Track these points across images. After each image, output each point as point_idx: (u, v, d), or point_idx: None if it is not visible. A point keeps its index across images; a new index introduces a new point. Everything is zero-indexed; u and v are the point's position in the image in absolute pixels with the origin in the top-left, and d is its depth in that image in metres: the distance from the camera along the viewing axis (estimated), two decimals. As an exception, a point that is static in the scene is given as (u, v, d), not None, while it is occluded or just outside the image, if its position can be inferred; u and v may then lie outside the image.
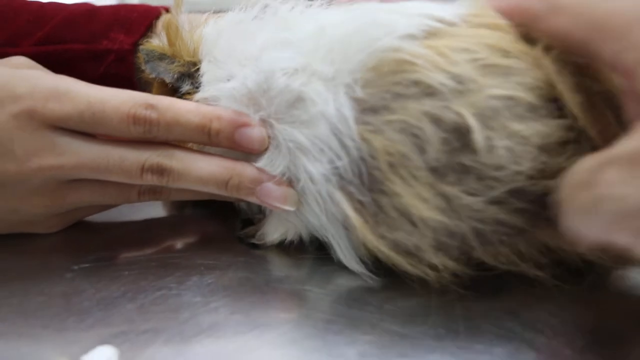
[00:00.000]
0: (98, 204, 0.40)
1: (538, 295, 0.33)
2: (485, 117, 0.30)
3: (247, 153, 0.37)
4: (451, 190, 0.30)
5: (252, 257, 0.37)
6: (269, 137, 0.36)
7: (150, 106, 0.36)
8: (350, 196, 0.33)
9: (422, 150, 0.31)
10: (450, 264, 0.32)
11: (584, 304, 0.32)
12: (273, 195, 0.36)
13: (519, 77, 0.30)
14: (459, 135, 0.30)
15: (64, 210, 0.40)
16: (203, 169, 0.37)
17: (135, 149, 0.37)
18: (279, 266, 0.37)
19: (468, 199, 0.30)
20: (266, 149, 0.36)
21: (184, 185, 0.37)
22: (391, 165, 0.31)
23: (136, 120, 0.36)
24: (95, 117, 0.36)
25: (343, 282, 0.35)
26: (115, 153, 0.36)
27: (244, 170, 0.36)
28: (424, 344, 0.29)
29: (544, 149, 0.30)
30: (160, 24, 0.52)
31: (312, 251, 0.38)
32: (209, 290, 0.34)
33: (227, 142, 0.36)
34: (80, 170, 0.36)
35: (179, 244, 0.40)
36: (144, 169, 0.36)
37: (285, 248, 0.38)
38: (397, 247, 0.32)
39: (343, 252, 0.35)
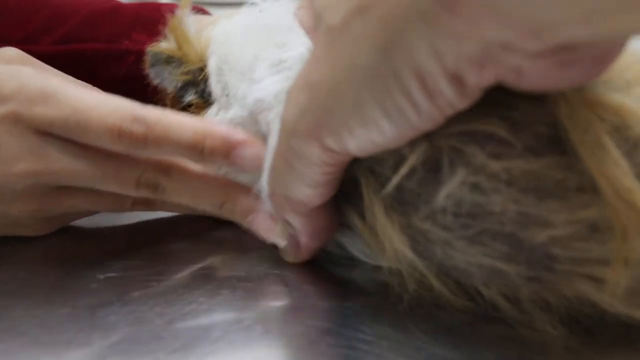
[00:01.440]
0: (90, 210, 0.39)
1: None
2: (456, 152, 0.27)
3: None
4: (422, 224, 0.28)
5: (287, 270, 0.35)
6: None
7: (137, 119, 0.33)
8: (354, 209, 0.32)
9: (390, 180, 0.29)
10: (453, 297, 0.30)
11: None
12: (264, 226, 0.35)
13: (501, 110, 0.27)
14: (430, 169, 0.28)
15: (54, 214, 0.38)
16: (198, 189, 0.35)
17: (131, 161, 0.35)
18: (317, 280, 0.35)
19: (441, 234, 0.28)
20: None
21: (178, 202, 0.36)
22: (368, 192, 0.30)
23: (121, 134, 0.33)
24: (80, 125, 0.33)
25: (385, 300, 0.32)
26: (110, 163, 0.35)
27: (239, 196, 0.35)
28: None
29: (525, 190, 0.26)
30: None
31: (353, 263, 0.36)
32: (242, 305, 0.32)
33: (222, 161, 0.34)
34: (72, 177, 0.35)
35: (209, 254, 0.38)
36: (139, 183, 0.35)
37: (324, 261, 0.36)
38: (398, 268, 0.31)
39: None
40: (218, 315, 0.31)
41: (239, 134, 0.34)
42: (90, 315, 0.31)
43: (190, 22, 0.40)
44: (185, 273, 0.35)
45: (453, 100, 0.24)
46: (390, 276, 0.31)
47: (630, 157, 0.26)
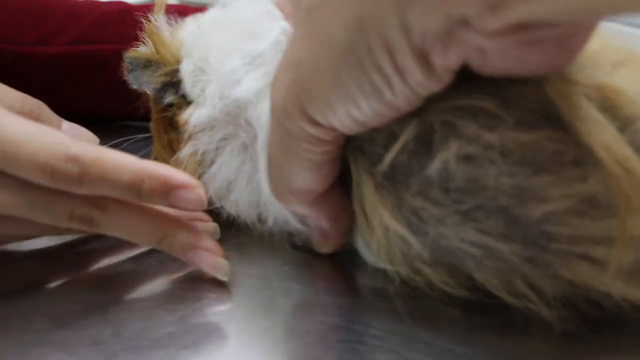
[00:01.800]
0: (22, 236, 0.37)
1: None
2: (448, 125, 0.27)
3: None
4: (414, 201, 0.28)
5: (298, 266, 0.35)
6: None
7: (72, 159, 0.31)
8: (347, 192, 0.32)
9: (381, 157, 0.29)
10: (446, 281, 0.30)
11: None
12: (204, 262, 0.33)
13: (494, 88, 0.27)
14: (421, 143, 0.28)
15: None
16: (134, 225, 0.34)
17: (64, 194, 0.32)
18: (327, 277, 0.35)
19: (433, 210, 0.28)
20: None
21: (114, 235, 0.34)
22: (357, 170, 0.30)
23: (54, 173, 0.31)
24: (9, 160, 0.31)
25: (395, 295, 0.32)
26: (41, 196, 0.32)
27: (178, 232, 0.34)
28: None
29: (520, 162, 0.26)
30: None
31: (362, 260, 0.35)
32: (253, 301, 0.32)
33: (161, 202, 0.33)
34: (1, 209, 0.33)
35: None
36: (72, 216, 0.33)
37: (334, 258, 0.36)
38: (388, 251, 0.30)
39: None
40: (229, 311, 0.31)
41: (179, 176, 0.32)
42: (102, 312, 0.31)
43: (164, 25, 0.40)
44: (196, 269, 0.35)
45: (422, 80, 0.24)
46: (378, 251, 0.31)
47: (622, 134, 0.26)
